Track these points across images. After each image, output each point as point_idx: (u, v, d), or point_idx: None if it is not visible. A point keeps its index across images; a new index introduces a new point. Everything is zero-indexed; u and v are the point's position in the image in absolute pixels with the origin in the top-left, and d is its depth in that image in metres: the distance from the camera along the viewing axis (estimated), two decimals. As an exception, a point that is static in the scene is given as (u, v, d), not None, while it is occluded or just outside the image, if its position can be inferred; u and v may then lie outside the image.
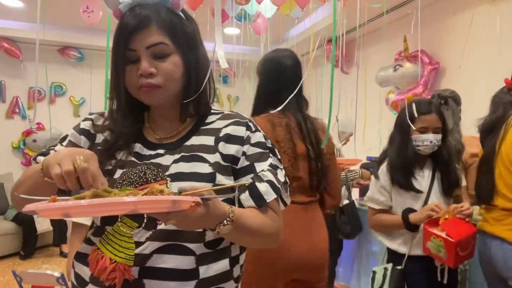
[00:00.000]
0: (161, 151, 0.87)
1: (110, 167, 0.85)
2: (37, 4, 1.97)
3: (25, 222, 4.57)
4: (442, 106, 2.34)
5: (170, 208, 0.63)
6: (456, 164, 1.88)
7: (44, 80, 4.88)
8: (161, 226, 0.80)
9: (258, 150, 0.89)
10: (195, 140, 0.88)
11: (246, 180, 0.86)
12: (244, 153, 0.88)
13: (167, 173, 0.83)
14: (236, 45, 3.54)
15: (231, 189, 0.82)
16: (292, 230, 1.47)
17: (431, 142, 1.74)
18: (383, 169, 1.82)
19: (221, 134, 0.89)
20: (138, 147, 0.89)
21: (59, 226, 4.70)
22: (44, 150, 0.93)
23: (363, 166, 3.75)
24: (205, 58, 0.93)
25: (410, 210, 1.73)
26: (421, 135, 1.74)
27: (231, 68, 5.54)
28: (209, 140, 0.88)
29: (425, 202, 1.76)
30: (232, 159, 0.87)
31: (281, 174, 0.90)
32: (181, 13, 0.88)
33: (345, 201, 3.21)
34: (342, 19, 2.95)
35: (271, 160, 0.89)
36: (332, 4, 3.65)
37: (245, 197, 0.84)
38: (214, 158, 0.85)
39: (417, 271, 1.74)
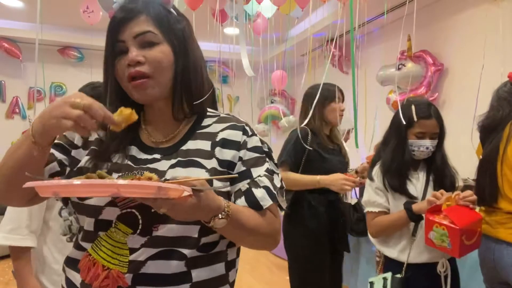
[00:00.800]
0: (157, 155, 0.85)
1: (105, 171, 0.82)
2: (37, 4, 1.97)
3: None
4: None
5: (155, 195, 0.61)
6: (452, 166, 1.81)
7: (40, 80, 4.88)
8: (156, 233, 0.78)
9: (255, 155, 0.88)
10: (191, 145, 0.86)
11: (243, 185, 0.84)
12: (240, 158, 0.86)
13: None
14: (236, 45, 3.54)
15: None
16: None
17: (427, 148, 1.68)
18: (377, 171, 1.74)
19: (217, 139, 0.87)
20: (134, 150, 0.87)
21: (59, 226, 4.69)
22: None
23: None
24: (197, 55, 0.91)
25: (410, 201, 1.65)
26: (418, 140, 1.67)
27: (231, 68, 5.55)
28: (205, 145, 0.86)
29: None
30: (229, 164, 0.85)
31: (277, 179, 0.88)
32: (172, 10, 0.88)
33: (354, 200, 3.20)
34: (342, 19, 2.94)
35: (267, 165, 0.88)
36: (332, 4, 3.66)
37: (241, 202, 0.83)
38: (211, 163, 0.84)
39: (419, 279, 1.65)
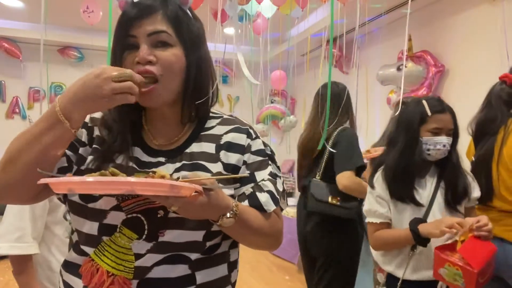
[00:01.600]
0: (161, 159, 0.84)
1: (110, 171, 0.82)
2: (38, 5, 1.97)
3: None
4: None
5: (168, 192, 0.62)
6: (467, 172, 1.62)
7: (44, 80, 4.88)
8: (162, 238, 0.77)
9: (258, 158, 0.87)
10: (195, 147, 0.85)
11: (246, 189, 0.84)
12: (244, 162, 0.86)
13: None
14: (236, 45, 3.54)
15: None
16: None
17: (444, 146, 1.49)
18: (378, 177, 1.57)
19: (222, 142, 0.86)
20: (138, 152, 0.85)
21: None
22: None
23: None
24: (208, 60, 0.89)
25: (418, 221, 1.46)
26: (434, 137, 1.49)
27: (231, 68, 5.54)
28: (210, 148, 0.85)
29: (425, 216, 1.51)
30: (233, 168, 0.85)
31: (279, 183, 0.89)
32: (188, 11, 0.85)
33: None
34: (342, 19, 2.94)
35: (270, 168, 0.88)
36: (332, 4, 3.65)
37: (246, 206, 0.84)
38: (216, 167, 0.83)
39: None
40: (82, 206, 0.80)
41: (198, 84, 0.85)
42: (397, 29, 4.06)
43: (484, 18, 3.24)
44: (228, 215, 0.73)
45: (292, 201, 4.98)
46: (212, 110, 0.94)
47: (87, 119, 0.89)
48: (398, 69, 3.64)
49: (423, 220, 1.46)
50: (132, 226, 0.78)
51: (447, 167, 1.54)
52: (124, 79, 0.70)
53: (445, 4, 3.65)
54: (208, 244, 0.82)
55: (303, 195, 2.22)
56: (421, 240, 1.42)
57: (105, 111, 0.88)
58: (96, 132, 0.87)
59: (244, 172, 0.85)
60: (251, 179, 0.85)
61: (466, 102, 3.50)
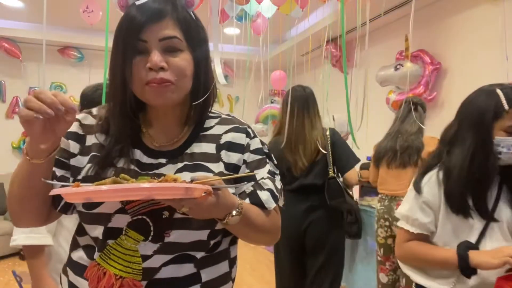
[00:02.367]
0: (162, 160, 0.84)
1: (111, 175, 0.80)
2: (38, 5, 1.97)
3: (25, 222, 4.56)
4: (413, 111, 2.54)
5: (183, 195, 0.64)
6: None
7: (42, 80, 4.89)
8: (168, 239, 0.78)
9: (257, 157, 0.89)
10: (196, 148, 0.86)
11: (247, 187, 0.86)
12: (244, 161, 0.87)
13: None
14: (236, 45, 3.54)
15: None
16: None
17: None
18: (431, 180, 1.27)
19: (222, 141, 0.87)
20: (138, 154, 0.84)
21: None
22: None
23: (363, 167, 3.75)
24: (210, 61, 0.90)
25: (469, 245, 1.16)
26: (509, 137, 1.18)
27: (231, 68, 5.54)
28: (210, 148, 0.86)
29: (482, 233, 1.19)
30: (234, 168, 0.86)
31: (278, 181, 0.91)
32: (192, 14, 0.86)
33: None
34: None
35: (269, 167, 0.90)
36: (332, 4, 3.66)
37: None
38: (218, 167, 0.84)
39: None
40: (86, 213, 0.81)
41: (205, 85, 0.87)
42: (396, 29, 4.06)
43: (484, 17, 3.24)
44: (234, 213, 0.75)
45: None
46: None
47: (75, 128, 0.87)
48: (396, 68, 3.64)
49: (475, 246, 1.17)
50: (137, 228, 0.78)
51: (510, 176, 1.22)
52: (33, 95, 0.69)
53: (445, 4, 3.65)
54: (212, 242, 0.83)
55: (300, 194, 2.25)
56: (467, 270, 1.14)
57: (101, 115, 0.88)
58: (92, 140, 0.86)
59: (244, 171, 0.86)
60: (251, 177, 0.87)
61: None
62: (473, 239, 1.19)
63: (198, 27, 0.85)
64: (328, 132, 2.20)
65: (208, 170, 0.83)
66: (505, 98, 1.21)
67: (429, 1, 3.70)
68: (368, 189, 3.51)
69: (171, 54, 0.79)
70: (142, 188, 0.61)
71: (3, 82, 5.53)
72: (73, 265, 0.85)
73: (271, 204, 0.86)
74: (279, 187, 0.90)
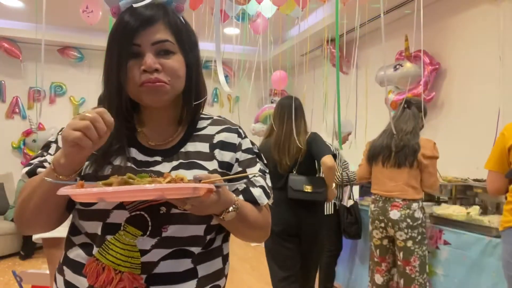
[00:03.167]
0: (158, 158, 0.87)
1: (108, 172, 0.82)
2: (38, 4, 1.98)
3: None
4: (406, 110, 2.59)
5: (191, 194, 0.67)
6: None
7: (44, 80, 4.89)
8: (166, 233, 0.80)
9: (248, 156, 0.93)
10: (190, 147, 0.89)
11: (240, 185, 0.89)
12: (237, 160, 0.91)
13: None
14: (236, 45, 3.54)
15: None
16: None
17: None
18: None
19: (215, 141, 0.91)
20: (133, 152, 0.87)
21: (59, 226, 4.70)
22: (28, 168, 0.86)
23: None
24: (201, 64, 0.94)
25: None
26: None
27: (231, 68, 5.54)
28: (204, 147, 0.90)
29: None
30: (227, 166, 0.90)
31: (268, 179, 0.95)
32: (182, 19, 0.90)
33: (350, 202, 3.23)
34: (342, 19, 2.95)
35: (259, 166, 0.94)
36: (332, 4, 3.66)
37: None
38: (212, 165, 0.88)
39: None
40: (84, 210, 0.83)
41: (197, 86, 0.91)
42: (396, 29, 4.06)
43: (484, 18, 3.24)
44: (230, 209, 0.78)
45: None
46: (203, 112, 0.99)
47: None
48: (395, 69, 3.65)
49: None
50: (136, 223, 0.80)
51: None
52: (86, 119, 0.69)
53: (445, 4, 3.66)
54: (208, 237, 0.86)
55: (283, 189, 2.52)
56: None
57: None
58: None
59: (237, 169, 0.90)
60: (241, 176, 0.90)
61: (465, 101, 3.51)
62: None
63: (188, 31, 0.90)
64: (307, 136, 2.54)
65: (203, 168, 0.86)
66: None
67: (429, 1, 3.70)
68: (367, 189, 3.51)
69: (164, 56, 0.83)
70: (155, 188, 0.64)
71: (3, 82, 5.53)
72: (70, 264, 0.86)
73: (263, 200, 0.90)
74: (269, 185, 0.94)
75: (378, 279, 2.68)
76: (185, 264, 0.83)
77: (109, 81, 0.85)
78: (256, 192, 0.89)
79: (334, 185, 2.70)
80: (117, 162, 0.84)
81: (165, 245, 0.81)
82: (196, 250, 0.84)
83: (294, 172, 2.51)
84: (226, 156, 0.90)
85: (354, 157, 3.28)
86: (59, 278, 0.88)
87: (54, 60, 5.51)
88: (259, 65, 3.30)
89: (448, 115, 3.61)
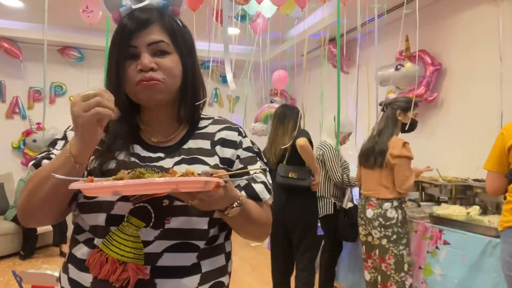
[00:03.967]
0: (161, 154, 0.89)
1: (113, 166, 0.85)
2: (38, 5, 1.99)
3: (25, 222, 4.55)
4: (383, 112, 2.66)
5: (202, 188, 0.68)
6: None
7: (45, 80, 4.89)
8: (169, 225, 0.82)
9: (249, 154, 0.96)
10: (192, 144, 0.92)
11: (241, 181, 0.91)
12: (238, 157, 0.94)
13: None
14: (236, 45, 3.54)
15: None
16: None
17: None
18: None
19: (216, 138, 0.94)
20: (137, 148, 0.90)
21: (59, 226, 4.70)
22: (34, 160, 0.88)
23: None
24: (199, 66, 0.97)
25: None
26: None
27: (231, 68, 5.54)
28: (205, 144, 0.93)
29: None
30: (228, 162, 0.92)
31: (269, 176, 0.98)
32: (179, 22, 0.93)
33: (350, 204, 3.23)
34: (342, 19, 2.94)
35: (260, 163, 0.97)
36: (332, 4, 3.66)
37: None
38: (214, 161, 0.90)
39: None
40: (86, 203, 0.84)
41: (194, 87, 0.93)
42: (396, 29, 4.05)
43: (484, 18, 3.24)
44: (235, 205, 0.79)
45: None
46: (202, 112, 1.01)
47: None
48: (396, 69, 3.64)
49: None
50: (139, 215, 0.82)
51: None
52: (92, 96, 0.73)
53: (445, 4, 3.66)
54: (211, 231, 0.88)
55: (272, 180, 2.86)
56: None
57: None
58: None
59: (238, 166, 0.93)
60: (246, 172, 0.92)
61: (465, 101, 3.51)
62: None
63: (184, 33, 0.93)
64: (294, 133, 2.93)
65: (205, 163, 0.89)
66: None
67: (429, 1, 3.70)
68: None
69: (159, 56, 0.87)
70: (170, 182, 0.66)
71: (3, 82, 5.53)
72: (74, 261, 0.87)
73: (265, 195, 0.92)
74: (270, 181, 0.97)
75: (366, 275, 2.73)
76: (190, 258, 0.85)
77: (110, 81, 0.89)
78: (258, 187, 0.91)
79: (319, 176, 2.98)
80: (121, 157, 0.87)
81: (168, 236, 0.82)
82: (200, 244, 0.86)
83: (284, 163, 2.91)
84: (227, 152, 0.93)
85: (353, 156, 3.28)
86: (63, 277, 0.89)
87: (54, 60, 5.51)
88: (258, 65, 3.30)
89: (448, 115, 3.61)
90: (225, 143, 0.94)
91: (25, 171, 5.46)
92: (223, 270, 0.93)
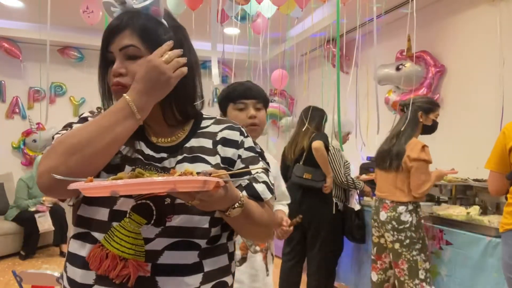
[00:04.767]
0: (164, 154, 0.90)
1: (118, 161, 0.86)
2: (38, 5, 1.99)
3: (26, 222, 4.55)
4: (403, 113, 2.57)
5: (201, 188, 0.68)
6: None
7: (44, 80, 4.89)
8: (170, 223, 0.83)
9: (251, 154, 0.96)
10: (194, 142, 0.93)
11: (243, 181, 0.90)
12: (239, 156, 0.94)
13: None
14: (236, 45, 3.54)
15: (246, 174, 0.90)
16: None
17: None
18: None
19: (218, 138, 0.95)
20: (141, 146, 0.91)
21: (60, 226, 4.69)
22: (58, 134, 0.88)
23: (363, 167, 3.75)
24: (192, 64, 0.92)
25: None
26: None
27: (231, 68, 5.54)
28: (207, 143, 0.93)
29: None
30: (230, 161, 0.92)
31: (271, 176, 0.97)
32: (164, 21, 0.90)
33: (358, 206, 3.24)
34: (342, 19, 2.94)
35: (262, 164, 0.96)
36: (332, 4, 3.65)
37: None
38: (215, 159, 0.91)
39: None
40: (92, 197, 0.84)
41: (180, 85, 0.88)
42: (396, 29, 4.05)
43: (484, 18, 3.24)
44: (236, 205, 0.79)
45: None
46: (204, 113, 1.01)
47: (90, 118, 0.95)
48: (397, 69, 3.63)
49: None
50: (141, 211, 0.83)
51: None
52: (173, 57, 0.84)
53: (445, 4, 3.66)
54: (213, 230, 0.88)
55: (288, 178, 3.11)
56: None
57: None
58: None
59: (239, 166, 0.92)
60: (248, 172, 0.92)
61: (465, 101, 3.51)
62: None
63: (161, 35, 0.89)
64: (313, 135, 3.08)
65: (206, 162, 0.89)
66: None
67: (429, 1, 3.70)
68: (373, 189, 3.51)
69: (130, 61, 0.88)
70: (168, 181, 0.66)
71: (3, 82, 5.53)
72: (69, 258, 0.88)
73: (267, 195, 0.92)
74: (272, 181, 0.96)
75: (374, 276, 2.71)
76: (191, 257, 0.85)
77: (99, 86, 0.94)
78: (259, 187, 0.91)
79: (331, 180, 3.04)
80: (125, 151, 0.88)
81: (169, 234, 0.83)
82: (201, 243, 0.86)
83: (301, 163, 3.05)
84: (228, 152, 0.93)
85: (353, 157, 3.28)
86: (64, 276, 0.90)
87: (54, 60, 5.50)
88: (258, 64, 3.30)
89: (448, 115, 3.61)
90: (226, 142, 0.94)
91: (25, 171, 5.47)
92: (227, 270, 0.93)
